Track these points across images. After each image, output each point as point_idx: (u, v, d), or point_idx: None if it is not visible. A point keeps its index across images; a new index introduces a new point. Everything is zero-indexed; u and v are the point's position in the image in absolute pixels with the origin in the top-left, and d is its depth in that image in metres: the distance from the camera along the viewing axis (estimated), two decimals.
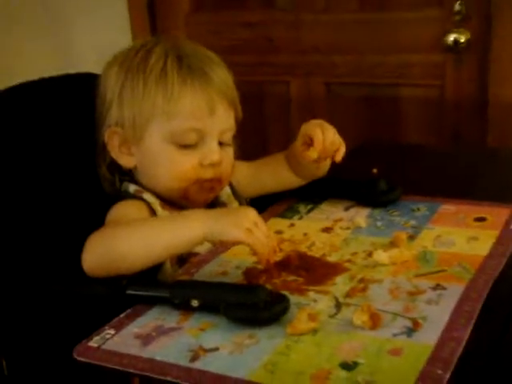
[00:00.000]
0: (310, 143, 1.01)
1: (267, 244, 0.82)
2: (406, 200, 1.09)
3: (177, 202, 0.97)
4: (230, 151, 0.99)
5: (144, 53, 0.96)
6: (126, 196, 0.98)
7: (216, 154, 0.95)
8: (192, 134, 0.94)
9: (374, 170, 1.13)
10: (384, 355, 0.68)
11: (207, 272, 0.89)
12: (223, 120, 0.96)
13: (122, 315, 0.80)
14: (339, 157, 1.01)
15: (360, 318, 0.73)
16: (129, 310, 0.81)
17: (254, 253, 0.82)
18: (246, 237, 0.81)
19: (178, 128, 0.93)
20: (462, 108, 1.95)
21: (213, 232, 0.83)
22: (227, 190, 1.06)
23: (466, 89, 1.93)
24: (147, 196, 0.97)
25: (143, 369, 0.69)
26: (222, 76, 0.96)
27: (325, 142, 0.99)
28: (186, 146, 0.94)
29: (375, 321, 0.73)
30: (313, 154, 1.00)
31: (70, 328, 0.80)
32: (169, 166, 0.95)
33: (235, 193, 1.08)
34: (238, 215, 0.83)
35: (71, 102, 1.08)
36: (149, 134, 0.94)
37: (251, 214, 0.83)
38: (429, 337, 0.70)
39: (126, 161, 0.99)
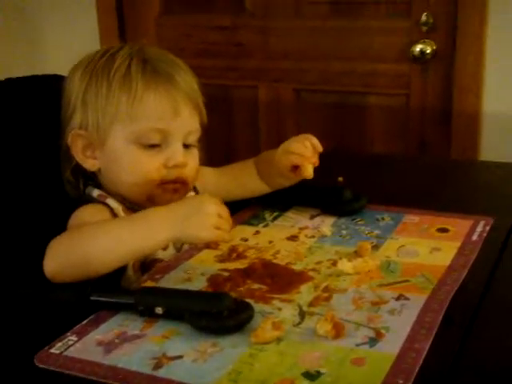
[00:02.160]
0: (296, 163, 1.03)
1: (230, 227, 0.86)
2: (370, 209, 1.10)
3: (141, 205, 0.96)
4: (195, 153, 0.99)
5: (109, 56, 0.96)
6: (89, 200, 0.97)
7: (180, 156, 0.95)
8: (156, 134, 0.93)
9: (340, 179, 1.14)
10: (347, 365, 0.68)
11: (172, 278, 0.89)
12: (188, 122, 0.96)
13: (84, 321, 0.79)
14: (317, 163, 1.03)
15: (323, 328, 0.73)
16: (92, 316, 0.80)
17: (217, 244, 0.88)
18: (216, 236, 0.84)
19: (142, 128, 0.93)
20: (428, 117, 1.98)
21: (180, 237, 0.85)
22: (191, 195, 1.06)
23: (432, 99, 1.96)
24: (110, 201, 0.97)
25: (105, 376, 0.69)
26: (187, 80, 0.96)
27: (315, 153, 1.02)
28: (149, 147, 0.94)
29: (338, 330, 0.73)
30: (309, 171, 1.01)
31: (31, 333, 0.79)
32: (132, 167, 0.94)
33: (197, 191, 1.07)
34: (202, 214, 0.83)
35: (37, 104, 1.07)
36: (112, 136, 0.94)
37: (212, 207, 0.84)
38: (391, 347, 0.71)
39: (89, 164, 0.98)
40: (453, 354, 0.71)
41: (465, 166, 1.42)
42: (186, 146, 0.97)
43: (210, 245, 0.93)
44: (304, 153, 1.03)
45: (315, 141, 1.04)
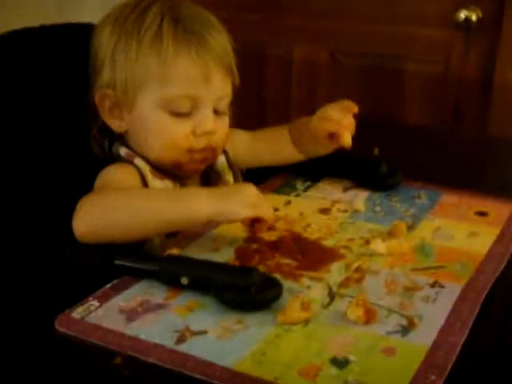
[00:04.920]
0: (333, 131, 0.99)
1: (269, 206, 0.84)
2: (406, 185, 1.06)
3: (168, 170, 0.94)
4: (225, 120, 0.95)
5: (139, 12, 0.90)
6: (117, 159, 0.94)
7: (210, 123, 0.91)
8: (185, 101, 0.89)
9: (376, 151, 1.10)
10: (376, 354, 0.65)
11: (198, 246, 0.86)
12: (219, 87, 0.91)
13: (107, 286, 0.77)
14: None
15: (354, 313, 0.70)
16: (115, 281, 0.78)
17: (259, 220, 0.83)
18: (256, 212, 0.81)
19: (171, 95, 0.89)
20: (466, 88, 1.91)
21: (219, 212, 0.81)
22: (222, 159, 1.02)
23: (472, 69, 1.88)
24: (138, 161, 0.93)
25: (126, 347, 0.67)
26: (220, 41, 0.91)
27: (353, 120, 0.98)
28: (179, 114, 0.90)
29: (369, 316, 0.70)
30: (347, 139, 0.97)
31: (53, 294, 0.76)
32: (160, 133, 0.91)
33: (230, 163, 1.03)
34: (242, 193, 0.82)
35: (70, 53, 1.02)
36: (141, 99, 0.90)
37: (253, 189, 0.83)
38: (424, 338, 0.67)
39: (116, 125, 0.94)
40: (488, 350, 0.68)
41: (507, 144, 1.35)
42: (216, 112, 0.93)
43: (254, 230, 0.87)
44: (342, 120, 0.98)
45: (352, 105, 1.00)
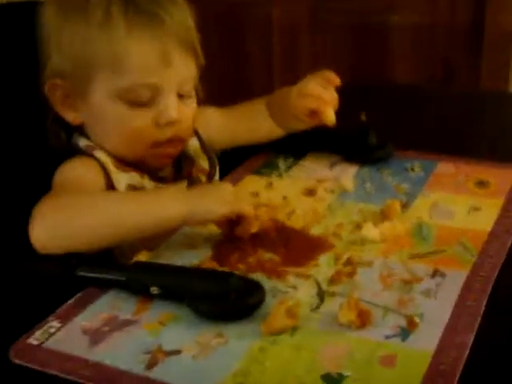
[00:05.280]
0: (314, 108, 0.91)
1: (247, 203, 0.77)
2: (397, 156, 0.97)
3: (132, 162, 0.85)
4: (191, 104, 0.86)
5: None
6: (75, 151, 0.85)
7: (174, 111, 0.81)
8: (144, 89, 0.80)
9: (363, 116, 1.00)
10: (374, 366, 0.58)
11: (172, 244, 0.78)
12: (181, 70, 0.81)
13: (70, 301, 0.68)
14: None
15: (346, 316, 0.62)
16: (79, 295, 0.69)
17: (240, 220, 0.75)
18: (234, 208, 0.75)
19: (128, 84, 0.79)
20: (455, 39, 1.81)
21: (194, 212, 0.74)
22: (194, 142, 0.93)
23: (460, 17, 1.78)
24: (99, 153, 0.84)
25: (89, 377, 0.58)
26: (179, 18, 0.80)
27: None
28: (138, 104, 0.80)
29: (364, 319, 0.62)
30: (330, 116, 0.89)
31: (9, 314, 0.68)
32: (119, 126, 0.82)
33: (204, 145, 0.94)
34: (218, 190, 0.76)
35: (14, 36, 0.93)
36: (93, 89, 0.80)
37: (229, 186, 0.78)
38: (426, 341, 0.60)
39: (71, 117, 0.84)
40: (500, 350, 0.60)
41: (502, 97, 1.26)
42: (181, 97, 0.83)
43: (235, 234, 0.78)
44: (323, 95, 0.90)
45: (333, 76, 0.91)
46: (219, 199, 0.74)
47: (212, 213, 0.74)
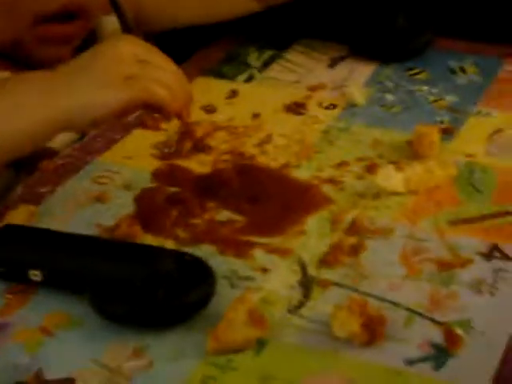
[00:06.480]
0: None
1: (174, 82, 0.73)
2: (439, 49, 0.99)
3: (5, 52, 0.87)
4: None
5: None
6: None
7: None
8: None
9: None
10: None
11: (70, 195, 0.77)
12: None
13: None
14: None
15: (346, 327, 0.59)
16: None
17: (156, 108, 0.73)
18: (132, 92, 0.71)
19: None
20: None
21: (70, 110, 0.71)
22: (112, 21, 0.92)
23: None
24: None
25: None
26: None
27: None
28: None
29: (373, 331, 0.60)
30: None
31: None
32: None
33: (127, 25, 0.90)
34: (101, 61, 0.72)
35: None
36: None
37: (124, 45, 0.73)
38: (477, 372, 0.56)
39: None
40: None
41: None
42: None
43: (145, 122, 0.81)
44: None
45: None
46: (102, 80, 0.71)
47: (93, 109, 0.71)
